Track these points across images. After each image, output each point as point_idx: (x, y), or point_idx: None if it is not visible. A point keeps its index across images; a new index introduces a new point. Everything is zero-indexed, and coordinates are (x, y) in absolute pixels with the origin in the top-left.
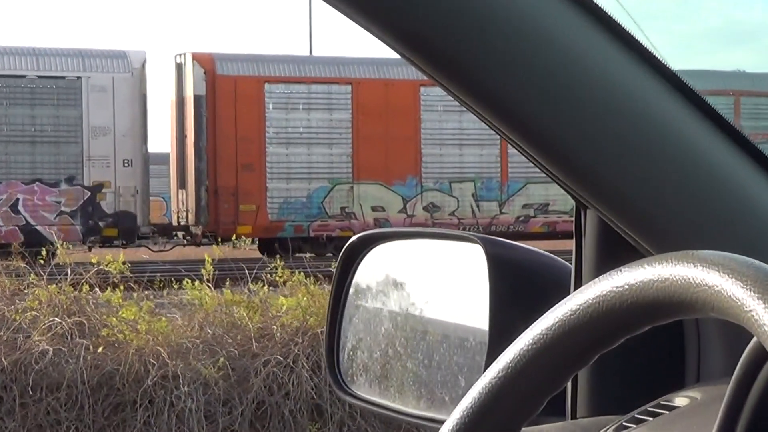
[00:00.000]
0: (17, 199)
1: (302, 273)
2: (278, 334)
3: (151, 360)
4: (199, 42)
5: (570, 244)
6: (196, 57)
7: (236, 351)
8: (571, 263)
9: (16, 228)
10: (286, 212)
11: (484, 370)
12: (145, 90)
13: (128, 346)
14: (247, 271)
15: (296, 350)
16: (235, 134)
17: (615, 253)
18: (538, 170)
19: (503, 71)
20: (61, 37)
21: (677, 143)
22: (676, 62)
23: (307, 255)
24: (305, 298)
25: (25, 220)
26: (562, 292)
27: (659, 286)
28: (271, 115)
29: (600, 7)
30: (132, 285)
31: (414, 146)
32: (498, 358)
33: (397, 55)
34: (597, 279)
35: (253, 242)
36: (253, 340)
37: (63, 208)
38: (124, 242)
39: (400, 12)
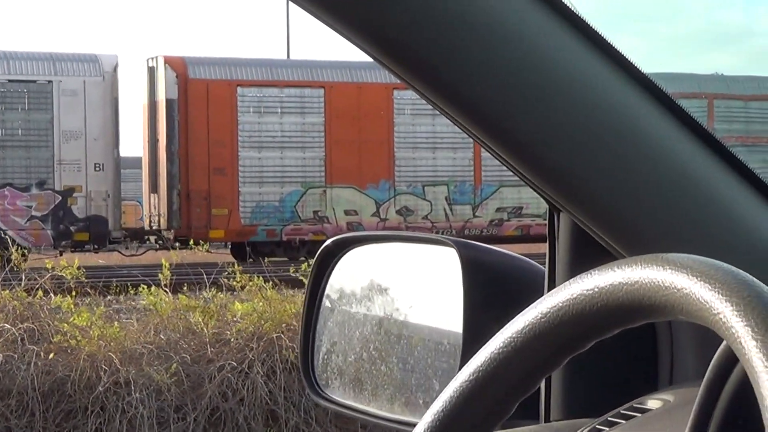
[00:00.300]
0: None
1: (261, 278)
2: (233, 340)
3: (103, 366)
4: (174, 45)
5: (543, 248)
6: (168, 60)
7: (190, 356)
8: (544, 266)
9: None
10: (259, 216)
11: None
12: (117, 94)
13: (80, 352)
14: (205, 276)
15: (251, 356)
16: (207, 138)
17: (588, 256)
18: (511, 174)
19: (476, 74)
20: (32, 41)
21: (650, 147)
22: (657, 65)
23: (266, 260)
24: (261, 304)
25: None
26: (536, 295)
27: (629, 289)
28: (244, 119)
29: (573, 10)
30: (89, 290)
31: (387, 150)
32: (469, 362)
33: (370, 59)
34: (568, 282)
35: (226, 246)
36: (209, 346)
37: (34, 213)
38: (95, 247)
39: (374, 16)
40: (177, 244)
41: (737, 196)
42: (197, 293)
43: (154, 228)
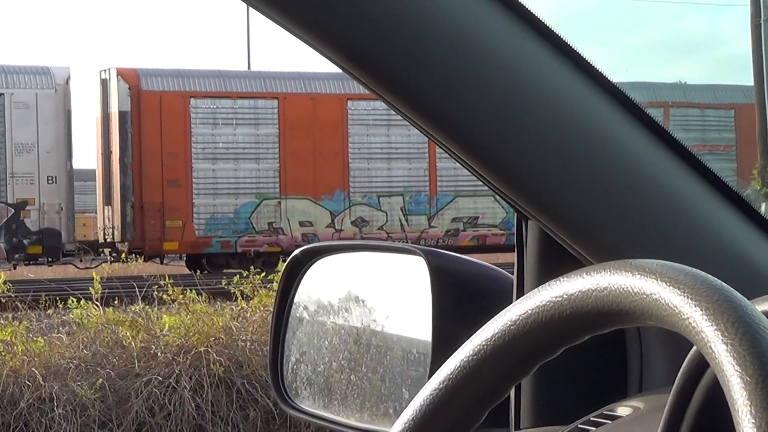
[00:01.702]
0: None
1: (193, 291)
2: (161, 354)
3: (27, 382)
4: (129, 56)
5: (499, 258)
6: (120, 72)
7: (117, 371)
8: (513, 274)
9: None
10: (213, 228)
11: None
12: (70, 106)
13: (3, 368)
14: (137, 289)
15: (178, 370)
16: (160, 150)
17: (556, 263)
18: (467, 183)
19: (443, 83)
20: None
21: (618, 154)
22: (621, 74)
23: (201, 272)
24: (189, 317)
25: None
26: (505, 303)
27: (598, 296)
28: (197, 131)
29: (540, 19)
30: (18, 304)
31: (342, 160)
32: (439, 370)
33: (324, 69)
34: (537, 289)
35: (181, 258)
36: (136, 360)
37: None
38: (49, 260)
39: (340, 26)
40: (132, 256)
41: (704, 202)
42: (128, 307)
43: (108, 240)
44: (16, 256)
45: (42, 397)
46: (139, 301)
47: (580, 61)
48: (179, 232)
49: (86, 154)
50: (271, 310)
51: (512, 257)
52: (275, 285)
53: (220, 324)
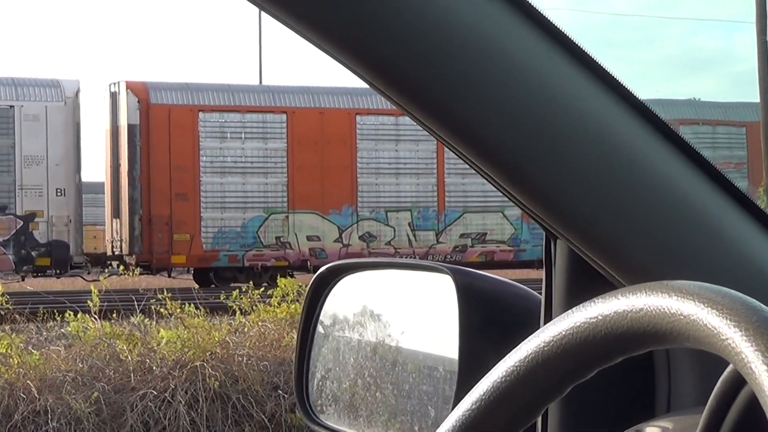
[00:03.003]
0: None
1: (192, 305)
2: (156, 368)
3: (21, 394)
4: (140, 70)
5: (508, 274)
6: (129, 86)
7: (113, 385)
8: (540, 293)
9: None
10: (221, 242)
11: (454, 400)
12: (79, 119)
13: None
14: (136, 302)
15: (174, 384)
16: (169, 163)
17: (586, 283)
18: (475, 199)
19: (473, 100)
20: None
21: (648, 173)
22: (636, 90)
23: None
24: (185, 331)
25: None
26: (532, 323)
27: (634, 317)
28: (206, 144)
29: (571, 39)
30: (17, 316)
31: (350, 175)
32: (472, 390)
33: (332, 84)
34: (572, 310)
35: (189, 272)
36: (132, 374)
37: None
38: (57, 272)
39: (369, 41)
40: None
41: (735, 223)
42: (125, 321)
43: (116, 253)
44: (25, 267)
45: (37, 410)
46: (138, 315)
47: (609, 80)
48: (187, 246)
49: (98, 167)
50: (269, 325)
51: (520, 274)
52: (274, 300)
53: (217, 338)
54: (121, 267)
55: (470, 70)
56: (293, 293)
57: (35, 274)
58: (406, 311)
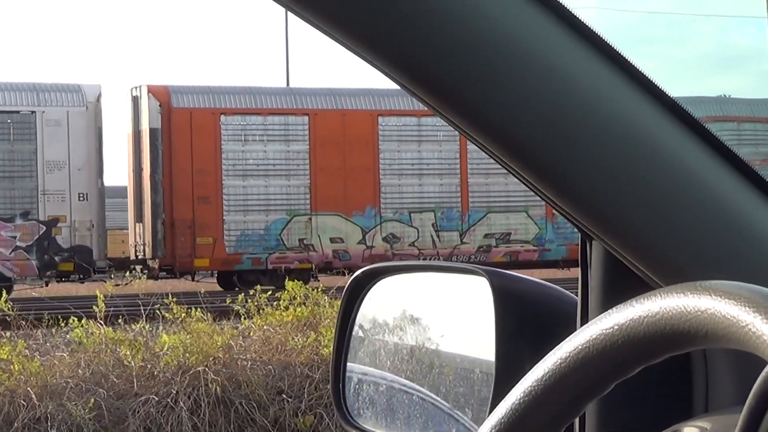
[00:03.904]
0: None
1: (199, 309)
2: (159, 373)
3: (22, 401)
4: (163, 73)
5: (534, 274)
6: (151, 90)
7: (115, 391)
8: (576, 295)
9: None
10: (244, 245)
11: (491, 402)
12: (101, 123)
13: None
14: (142, 307)
15: (176, 389)
16: (191, 167)
17: (622, 284)
18: (499, 199)
19: (507, 101)
20: (15, 71)
21: (682, 172)
22: (666, 88)
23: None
24: (188, 336)
25: None
26: (568, 324)
27: (670, 318)
28: (228, 147)
29: (604, 39)
30: (22, 322)
31: (373, 176)
32: (509, 393)
33: (354, 86)
34: (609, 311)
35: (212, 275)
36: (135, 379)
37: (18, 243)
38: (81, 277)
39: (401, 42)
40: (162, 273)
41: None
42: (130, 326)
43: (139, 257)
44: (48, 273)
45: (37, 416)
46: (144, 320)
47: (642, 79)
48: (210, 249)
49: (124, 172)
50: (276, 328)
51: (546, 274)
52: (283, 303)
53: (220, 343)
54: (132, 271)
55: (503, 71)
56: (300, 297)
57: (59, 279)
58: (442, 314)
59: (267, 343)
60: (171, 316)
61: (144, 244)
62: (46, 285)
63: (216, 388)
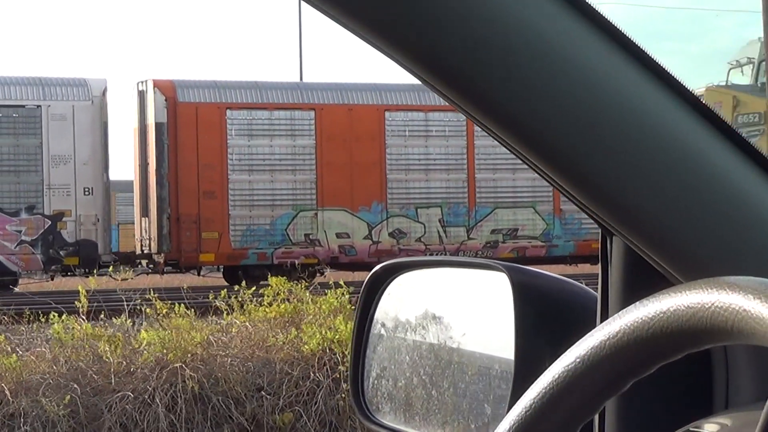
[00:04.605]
0: None
1: (182, 305)
2: (136, 369)
3: None
4: (170, 67)
5: (543, 269)
6: (157, 84)
7: (92, 387)
8: (596, 290)
9: None
10: (250, 240)
11: (510, 398)
12: (107, 118)
13: None
14: (125, 303)
15: (153, 386)
16: (197, 161)
17: (642, 280)
18: (506, 195)
19: (528, 96)
20: (21, 65)
21: (705, 168)
22: (689, 83)
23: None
24: (166, 332)
25: None
26: (588, 320)
27: (692, 314)
28: (234, 142)
29: (625, 34)
30: (5, 317)
31: (379, 172)
32: (528, 390)
33: (360, 80)
34: (629, 307)
35: (218, 270)
36: (113, 375)
37: (23, 237)
38: (86, 271)
39: (426, 37)
40: (168, 267)
41: None
42: (109, 321)
43: (145, 252)
44: (53, 267)
45: (10, 413)
46: (126, 315)
47: (663, 73)
48: (215, 244)
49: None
50: (258, 324)
51: (554, 270)
52: (267, 299)
53: (198, 339)
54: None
55: (524, 64)
56: (284, 293)
57: (64, 274)
58: (461, 310)
59: (248, 340)
60: (151, 312)
61: (149, 239)
62: (52, 279)
63: (193, 385)
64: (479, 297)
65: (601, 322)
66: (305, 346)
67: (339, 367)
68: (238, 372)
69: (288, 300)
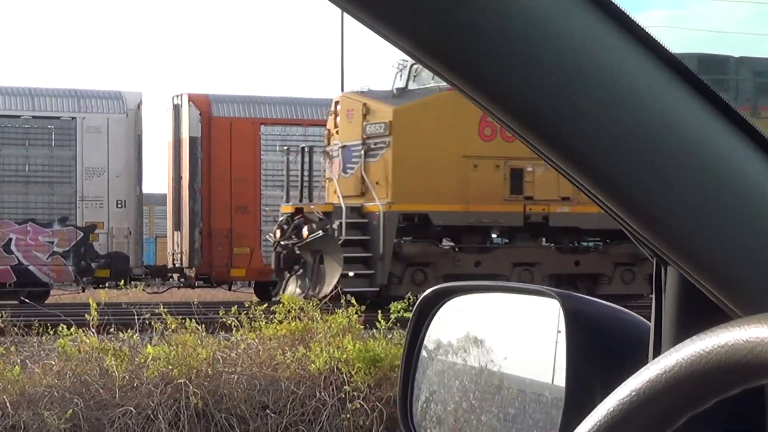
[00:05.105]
0: (10, 239)
1: (193, 320)
2: (140, 384)
3: None
4: (206, 81)
5: None
6: (192, 98)
7: (96, 401)
8: (649, 320)
9: (9, 268)
10: None
11: (561, 427)
12: (141, 131)
13: None
14: (136, 317)
15: (157, 401)
16: (230, 176)
17: (697, 311)
18: None
19: (583, 123)
20: (57, 78)
21: (760, 197)
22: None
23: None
24: (172, 348)
25: (18, 259)
26: (641, 350)
27: (749, 349)
28: (267, 157)
29: (678, 59)
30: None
31: None
32: (586, 419)
33: None
34: (689, 339)
35: (249, 285)
36: (118, 390)
37: (55, 249)
38: (117, 283)
39: (473, 58)
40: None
41: None
42: (117, 335)
43: (177, 266)
44: (84, 279)
45: (11, 425)
46: (136, 330)
47: (718, 101)
48: (247, 259)
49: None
50: (264, 341)
51: None
52: (279, 316)
53: (204, 356)
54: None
55: (580, 92)
56: (295, 310)
57: (95, 286)
58: (510, 335)
59: (255, 357)
60: (159, 327)
61: (181, 253)
62: (83, 291)
63: (197, 402)
64: (529, 323)
65: (654, 352)
66: (312, 365)
67: (344, 387)
68: (244, 389)
69: (299, 318)
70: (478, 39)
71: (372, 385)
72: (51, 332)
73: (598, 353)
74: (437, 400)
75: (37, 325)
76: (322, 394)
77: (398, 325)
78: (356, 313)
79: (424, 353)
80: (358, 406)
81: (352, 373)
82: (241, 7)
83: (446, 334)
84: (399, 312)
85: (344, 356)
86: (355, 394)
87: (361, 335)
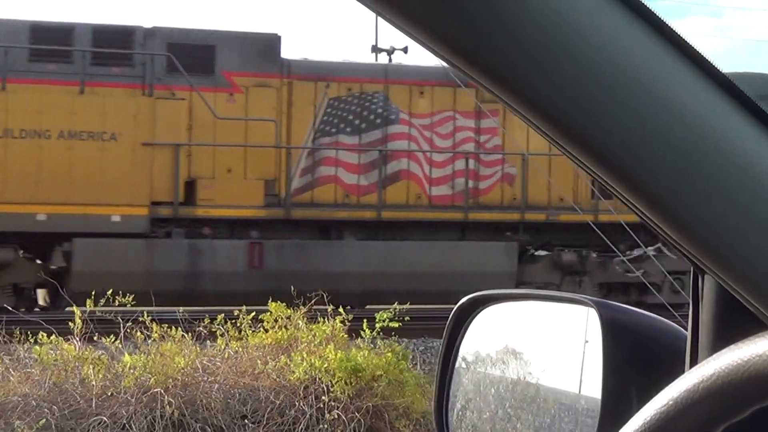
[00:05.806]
0: None
1: (178, 329)
2: (116, 393)
3: None
4: None
5: None
6: None
7: (70, 410)
8: (686, 329)
9: None
10: None
11: None
12: None
13: None
14: (122, 324)
15: (132, 410)
16: None
17: (734, 320)
18: None
19: (622, 132)
20: None
21: None
22: None
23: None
24: (150, 357)
25: None
26: (678, 359)
27: None
28: None
29: (718, 68)
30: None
31: None
32: (623, 428)
33: None
34: (727, 349)
35: None
36: (95, 398)
37: None
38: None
39: (519, 77)
40: None
41: None
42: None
43: None
44: None
45: None
46: (110, 338)
47: (757, 110)
48: None
49: None
50: (245, 350)
51: None
52: (267, 325)
53: (182, 364)
54: None
55: (622, 102)
56: (282, 319)
57: None
58: (546, 343)
59: (236, 366)
60: (142, 336)
61: None
62: None
63: (172, 411)
64: (565, 331)
65: (691, 361)
66: (292, 375)
67: (323, 397)
68: (221, 399)
69: (286, 327)
70: (516, 47)
71: (352, 395)
72: (31, 340)
73: (634, 362)
74: (473, 408)
75: (18, 333)
76: (301, 404)
77: (381, 334)
78: (342, 321)
79: (459, 361)
80: (336, 416)
81: (333, 382)
82: None
83: (482, 342)
84: (384, 321)
85: (325, 366)
86: (333, 404)
87: (347, 344)
